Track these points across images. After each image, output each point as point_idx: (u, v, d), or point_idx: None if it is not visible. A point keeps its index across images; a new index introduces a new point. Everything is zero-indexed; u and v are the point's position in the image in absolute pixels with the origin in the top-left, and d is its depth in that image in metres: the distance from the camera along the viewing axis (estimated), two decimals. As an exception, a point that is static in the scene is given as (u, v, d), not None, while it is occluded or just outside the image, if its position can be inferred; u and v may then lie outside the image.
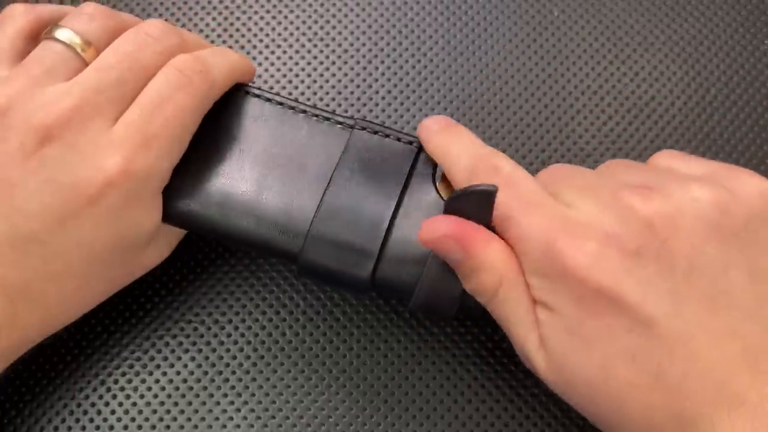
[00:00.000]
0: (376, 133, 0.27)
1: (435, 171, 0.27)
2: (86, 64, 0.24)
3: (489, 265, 0.23)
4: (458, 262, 0.24)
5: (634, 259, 0.21)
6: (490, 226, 0.24)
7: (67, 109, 0.23)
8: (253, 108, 0.28)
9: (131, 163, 0.23)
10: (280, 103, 0.28)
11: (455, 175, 0.26)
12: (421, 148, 0.27)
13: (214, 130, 0.27)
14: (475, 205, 0.23)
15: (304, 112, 0.28)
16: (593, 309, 0.21)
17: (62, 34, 0.24)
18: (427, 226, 0.23)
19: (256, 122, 0.28)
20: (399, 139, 0.27)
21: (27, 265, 0.23)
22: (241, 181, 0.27)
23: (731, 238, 0.21)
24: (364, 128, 0.27)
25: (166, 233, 0.28)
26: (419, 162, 0.27)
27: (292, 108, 0.28)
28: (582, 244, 0.21)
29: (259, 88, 0.29)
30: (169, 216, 0.27)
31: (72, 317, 0.26)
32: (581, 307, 0.21)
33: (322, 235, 0.26)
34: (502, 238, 0.24)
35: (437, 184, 0.27)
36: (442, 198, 0.27)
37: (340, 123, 0.28)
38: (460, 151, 0.26)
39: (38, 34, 0.26)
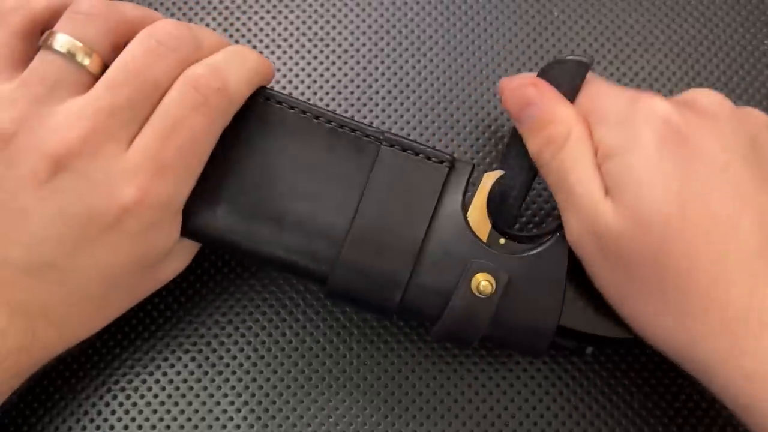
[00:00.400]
0: (405, 150, 0.26)
1: (464, 197, 0.26)
2: (90, 74, 0.23)
3: (561, 117, 0.25)
4: (532, 115, 0.26)
5: (710, 120, 0.24)
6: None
7: (80, 136, 0.22)
8: (275, 116, 0.26)
9: (147, 192, 0.22)
10: (304, 111, 0.26)
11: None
12: (451, 168, 0.26)
13: (235, 140, 0.26)
14: (567, 74, 0.26)
15: (330, 122, 0.26)
16: (675, 149, 0.23)
17: (61, 43, 0.22)
18: (509, 79, 0.28)
19: (279, 132, 0.26)
20: (429, 158, 0.26)
21: (44, 290, 0.23)
22: (265, 196, 0.25)
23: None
24: (392, 144, 0.26)
25: (183, 247, 0.27)
26: (450, 184, 0.26)
27: (317, 117, 0.26)
28: (664, 101, 0.24)
29: (281, 94, 0.27)
30: (189, 232, 0.26)
31: (92, 332, 0.26)
32: (664, 147, 0.23)
33: (352, 261, 0.25)
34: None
35: (466, 215, 0.26)
36: (473, 233, 0.25)
37: (368, 136, 0.26)
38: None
39: (35, 31, 0.24)
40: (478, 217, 0.26)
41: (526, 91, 0.26)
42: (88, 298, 0.24)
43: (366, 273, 0.25)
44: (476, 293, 0.24)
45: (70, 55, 0.22)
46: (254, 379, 0.29)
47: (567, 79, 0.26)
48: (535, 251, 0.25)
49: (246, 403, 0.29)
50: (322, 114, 0.26)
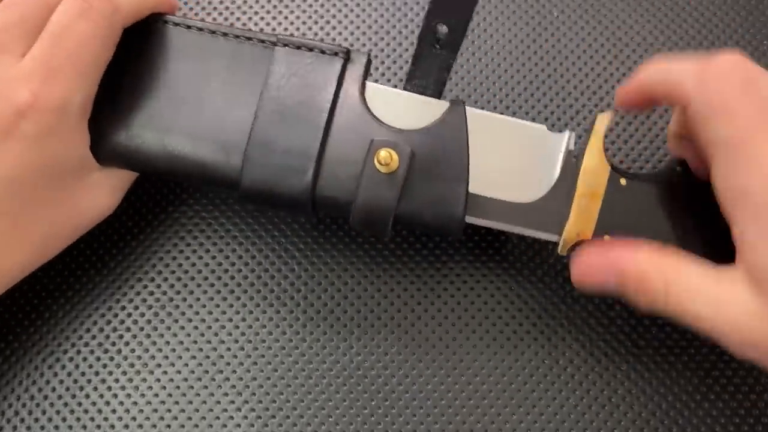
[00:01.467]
0: (299, 48, 0.27)
1: (364, 83, 0.27)
2: None
3: (648, 274, 0.23)
4: (618, 285, 0.24)
5: None
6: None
7: None
8: (175, 38, 0.27)
9: (39, 95, 0.24)
10: (201, 29, 0.27)
11: (685, 86, 0.24)
12: (347, 60, 0.27)
13: (139, 63, 0.27)
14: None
15: (225, 34, 0.27)
16: None
17: None
18: (578, 268, 0.25)
19: (181, 51, 0.27)
20: (323, 52, 0.27)
21: None
22: (172, 112, 0.27)
23: None
24: (286, 44, 0.27)
25: (105, 177, 0.27)
26: (347, 73, 0.26)
27: (213, 32, 0.27)
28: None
29: (177, 17, 0.28)
30: (102, 153, 0.27)
31: (18, 263, 0.26)
32: None
33: (258, 155, 0.26)
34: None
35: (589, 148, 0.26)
36: (373, 116, 0.26)
37: (263, 41, 0.27)
38: (680, 66, 0.25)
39: None
40: (596, 160, 0.26)
41: (603, 279, 0.24)
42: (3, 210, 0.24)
43: (274, 169, 0.26)
44: (381, 170, 0.25)
45: None
46: (254, 379, 0.29)
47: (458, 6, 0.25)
48: (433, 123, 0.25)
49: (246, 402, 0.29)
50: (218, 29, 0.27)
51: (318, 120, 0.26)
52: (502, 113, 0.34)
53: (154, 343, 0.30)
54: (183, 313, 0.30)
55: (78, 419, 0.29)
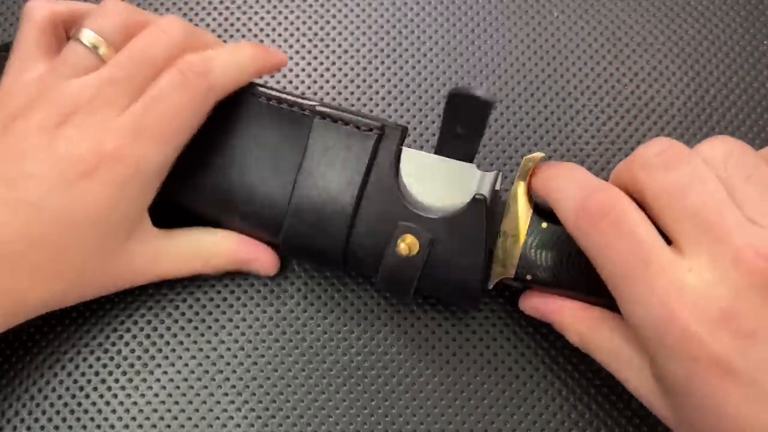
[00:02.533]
0: (335, 121, 0.28)
1: (398, 158, 0.28)
2: (104, 61, 0.27)
3: (568, 328, 0.27)
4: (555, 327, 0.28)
5: (750, 341, 0.20)
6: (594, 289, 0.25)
7: (84, 97, 0.26)
8: (242, 104, 0.29)
9: (122, 147, 0.26)
10: (253, 94, 0.29)
11: (563, 211, 0.24)
12: (381, 135, 0.27)
13: (209, 128, 0.28)
14: (469, 113, 0.25)
15: (270, 99, 0.29)
16: (704, 376, 0.21)
17: (86, 36, 0.27)
18: (524, 308, 0.29)
19: (240, 116, 0.29)
20: (358, 127, 0.28)
21: (12, 226, 0.25)
22: (220, 171, 0.29)
23: None
24: (324, 116, 0.28)
25: (167, 252, 0.29)
26: (380, 150, 0.27)
27: (256, 95, 0.29)
28: (699, 318, 0.21)
29: (260, 86, 0.29)
30: (165, 201, 0.28)
31: (43, 298, 0.26)
32: (691, 375, 0.21)
33: (295, 228, 0.28)
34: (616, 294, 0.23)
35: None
36: (401, 195, 0.27)
37: (304, 110, 0.28)
38: (568, 179, 0.25)
39: (60, 26, 0.29)
40: (521, 203, 0.27)
41: (537, 316, 0.29)
42: (47, 243, 0.25)
43: (309, 236, 0.28)
44: (403, 253, 0.27)
45: (93, 47, 0.27)
46: (254, 379, 0.29)
47: (471, 117, 0.25)
48: (454, 213, 0.27)
49: (246, 402, 0.29)
50: (259, 92, 0.29)
51: (351, 192, 0.27)
52: (502, 113, 0.34)
53: (154, 343, 0.30)
54: (183, 314, 0.30)
55: (78, 419, 0.29)
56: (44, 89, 0.26)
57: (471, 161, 0.27)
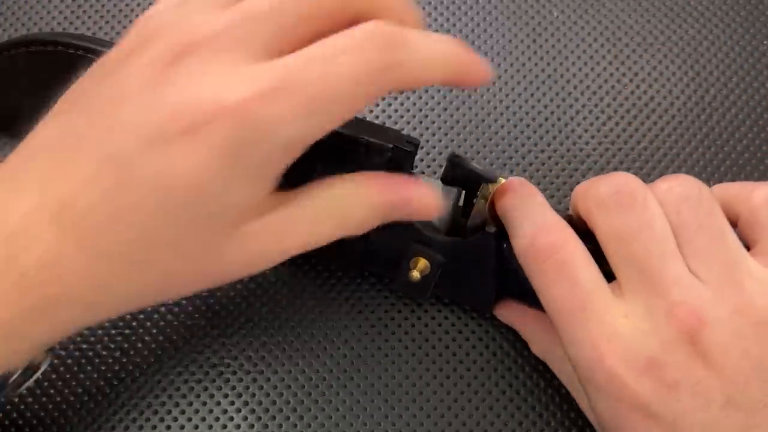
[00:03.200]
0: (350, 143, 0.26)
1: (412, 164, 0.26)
2: None
3: (531, 340, 0.29)
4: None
5: (672, 391, 0.22)
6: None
7: (209, 30, 0.19)
8: None
9: (250, 102, 0.18)
10: None
11: (515, 241, 0.25)
12: (390, 158, 0.25)
13: None
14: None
15: None
16: (627, 416, 0.22)
17: None
18: (498, 314, 0.30)
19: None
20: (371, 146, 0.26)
21: (97, 188, 0.19)
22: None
23: None
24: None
25: (262, 250, 0.22)
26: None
27: None
28: (626, 364, 0.22)
29: None
30: None
31: (129, 291, 0.21)
32: (617, 414, 0.22)
33: None
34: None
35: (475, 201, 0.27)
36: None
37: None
38: (525, 213, 0.25)
39: None
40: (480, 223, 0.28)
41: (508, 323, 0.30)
42: (134, 214, 0.19)
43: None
44: (414, 274, 0.28)
45: None
46: (255, 379, 0.29)
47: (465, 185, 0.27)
48: (467, 240, 0.28)
49: (246, 402, 0.29)
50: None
51: None
52: (502, 113, 0.34)
53: (154, 343, 0.30)
54: (183, 313, 0.30)
55: (79, 420, 0.29)
56: (174, 19, 0.20)
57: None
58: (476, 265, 0.28)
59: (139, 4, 0.36)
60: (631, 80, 0.35)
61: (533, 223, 0.24)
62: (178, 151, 0.19)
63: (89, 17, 0.36)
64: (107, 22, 0.36)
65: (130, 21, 0.36)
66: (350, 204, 0.22)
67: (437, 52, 0.21)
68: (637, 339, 0.22)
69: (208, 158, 0.19)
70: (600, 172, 0.33)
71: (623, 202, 0.23)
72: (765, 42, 0.35)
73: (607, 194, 0.23)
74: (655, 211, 0.23)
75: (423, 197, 0.23)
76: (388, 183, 0.23)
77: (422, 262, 0.28)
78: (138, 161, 0.19)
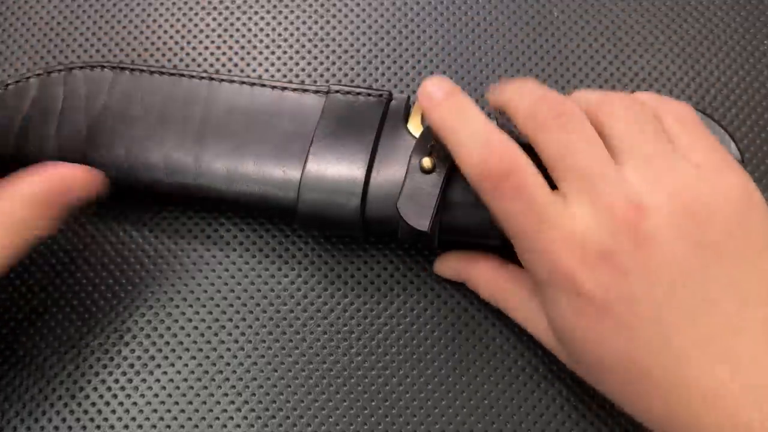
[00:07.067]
0: (348, 93, 0.30)
1: (407, 116, 0.30)
2: None
3: (481, 290, 0.30)
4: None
5: (623, 277, 0.23)
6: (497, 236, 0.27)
7: None
8: (233, 94, 0.30)
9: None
10: (273, 87, 0.31)
11: (463, 161, 0.25)
12: (389, 100, 0.30)
13: (224, 119, 0.30)
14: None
15: (284, 88, 0.31)
16: (584, 311, 0.24)
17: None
18: (437, 267, 0.31)
19: (243, 106, 0.30)
20: (370, 95, 0.30)
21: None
22: (240, 155, 0.29)
23: (712, 249, 0.23)
24: (337, 91, 0.30)
25: None
26: (390, 111, 0.30)
27: (283, 88, 0.31)
28: (581, 261, 0.24)
29: (231, 74, 0.31)
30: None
31: None
32: (574, 313, 0.24)
33: (312, 186, 0.28)
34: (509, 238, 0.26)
35: (408, 123, 0.29)
36: (412, 136, 0.29)
37: (317, 91, 0.30)
38: (468, 134, 0.25)
39: None
40: (415, 125, 0.29)
41: (447, 274, 0.31)
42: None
43: (326, 198, 0.28)
44: (422, 169, 0.27)
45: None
46: (254, 379, 0.29)
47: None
48: None
49: (246, 402, 0.29)
50: (287, 86, 0.31)
51: (365, 149, 0.29)
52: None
53: (154, 343, 0.30)
54: (183, 313, 0.30)
55: (78, 419, 0.29)
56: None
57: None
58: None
59: (139, 7, 0.36)
60: (631, 80, 0.35)
61: (480, 144, 0.25)
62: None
63: (89, 17, 0.36)
64: (107, 22, 0.36)
65: (130, 21, 0.36)
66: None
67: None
68: (587, 236, 0.23)
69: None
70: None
71: (564, 123, 0.25)
72: (765, 42, 0.35)
73: (549, 117, 0.25)
74: (589, 126, 0.25)
75: (80, 178, 0.27)
76: (38, 172, 0.26)
77: (425, 159, 0.28)
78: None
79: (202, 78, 0.31)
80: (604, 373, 0.25)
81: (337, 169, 0.28)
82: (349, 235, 0.31)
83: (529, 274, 0.26)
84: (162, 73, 0.31)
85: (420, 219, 0.27)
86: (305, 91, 0.30)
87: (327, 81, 0.34)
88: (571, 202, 0.24)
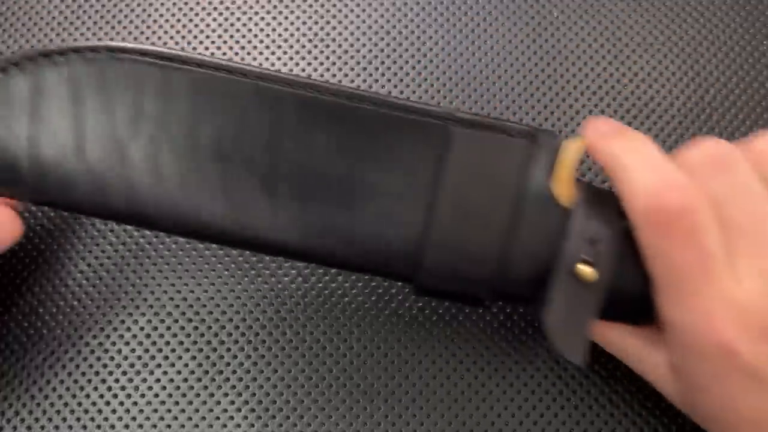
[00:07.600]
0: (479, 128, 0.23)
1: (551, 170, 0.24)
2: None
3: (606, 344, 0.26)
4: None
5: None
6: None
7: None
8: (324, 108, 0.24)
9: None
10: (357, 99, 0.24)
11: (631, 191, 0.22)
12: (533, 142, 0.23)
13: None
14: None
15: (390, 105, 0.23)
16: (734, 382, 0.22)
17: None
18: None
19: (329, 124, 0.23)
20: (509, 134, 0.23)
21: None
22: (344, 209, 0.23)
23: None
24: (465, 125, 0.23)
25: None
26: (533, 158, 0.23)
27: (376, 103, 0.23)
28: (740, 334, 0.21)
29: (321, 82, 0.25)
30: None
31: None
32: (722, 380, 0.22)
33: (438, 257, 0.23)
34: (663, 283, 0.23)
35: (553, 180, 0.23)
36: (556, 202, 0.23)
37: (435, 117, 0.23)
38: (643, 162, 0.22)
39: None
40: (564, 189, 0.23)
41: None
42: None
43: (453, 268, 0.23)
44: (577, 277, 0.22)
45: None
46: (254, 379, 0.29)
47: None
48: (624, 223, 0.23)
49: (246, 402, 0.29)
50: (392, 102, 0.23)
51: (501, 215, 0.23)
52: (502, 113, 0.34)
53: (154, 343, 0.30)
54: (183, 313, 0.30)
55: (78, 419, 0.29)
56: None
57: None
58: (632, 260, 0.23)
59: (138, 6, 0.36)
60: (631, 80, 0.35)
61: (656, 175, 0.22)
62: None
63: (89, 17, 0.36)
64: (107, 23, 0.36)
65: (130, 21, 0.36)
66: None
67: None
68: (750, 307, 0.21)
69: None
70: (600, 172, 0.33)
71: (717, 167, 0.22)
72: (765, 42, 0.35)
73: (700, 160, 0.22)
74: (749, 171, 0.22)
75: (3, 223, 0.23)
76: None
77: (585, 269, 0.22)
78: None
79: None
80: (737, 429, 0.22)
81: (467, 238, 0.23)
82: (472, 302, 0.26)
83: (657, 325, 0.23)
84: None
85: (574, 350, 0.22)
86: (420, 113, 0.23)
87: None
88: (740, 264, 0.21)
